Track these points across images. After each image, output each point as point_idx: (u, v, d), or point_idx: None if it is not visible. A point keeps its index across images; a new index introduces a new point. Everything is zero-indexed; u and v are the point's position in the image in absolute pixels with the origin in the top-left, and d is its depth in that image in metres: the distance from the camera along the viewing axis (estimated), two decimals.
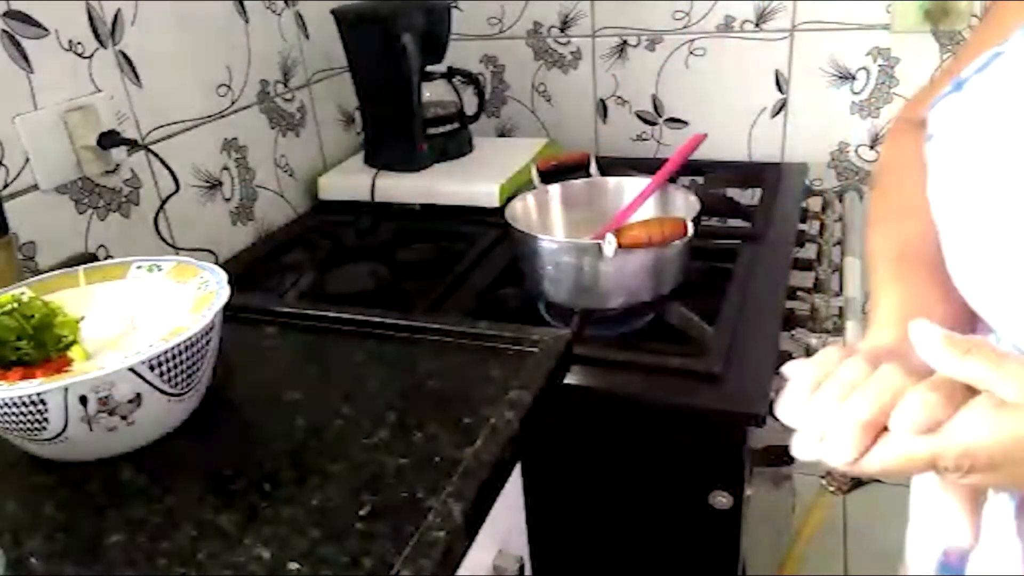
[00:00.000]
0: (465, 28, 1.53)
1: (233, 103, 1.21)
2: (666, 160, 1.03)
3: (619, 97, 1.52)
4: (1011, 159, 0.44)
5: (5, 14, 0.87)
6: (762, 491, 1.02)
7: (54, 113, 0.92)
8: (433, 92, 1.39)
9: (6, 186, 0.88)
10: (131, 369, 0.55)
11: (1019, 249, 0.44)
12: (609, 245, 0.86)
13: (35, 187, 0.92)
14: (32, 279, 0.69)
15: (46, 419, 0.54)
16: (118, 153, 1.00)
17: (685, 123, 1.49)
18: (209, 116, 1.17)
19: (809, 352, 0.89)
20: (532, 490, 0.72)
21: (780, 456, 0.96)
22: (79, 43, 0.95)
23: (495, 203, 1.25)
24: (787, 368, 0.46)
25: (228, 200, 1.22)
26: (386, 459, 0.57)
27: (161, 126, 1.08)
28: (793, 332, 0.92)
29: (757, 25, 1.37)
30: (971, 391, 0.39)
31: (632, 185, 1.08)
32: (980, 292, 0.49)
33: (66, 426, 0.55)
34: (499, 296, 1.03)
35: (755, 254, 1.08)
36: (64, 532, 0.53)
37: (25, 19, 0.89)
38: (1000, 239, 0.45)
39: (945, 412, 0.39)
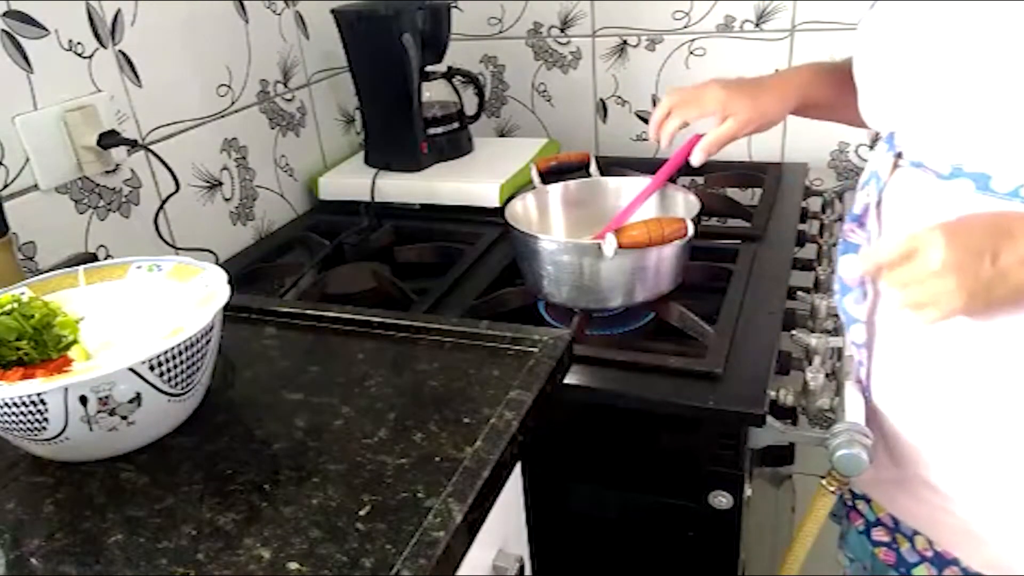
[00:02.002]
0: (465, 28, 1.53)
1: (233, 103, 1.21)
2: (666, 160, 1.03)
3: (619, 97, 1.52)
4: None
5: (5, 14, 0.87)
6: (762, 491, 1.02)
7: (54, 113, 0.92)
8: (433, 92, 1.39)
9: (6, 186, 0.88)
10: (131, 369, 0.55)
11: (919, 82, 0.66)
12: (609, 245, 0.86)
13: (35, 187, 0.92)
14: (32, 279, 0.69)
15: (46, 419, 0.54)
16: (118, 153, 1.00)
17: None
18: (209, 116, 1.17)
19: (809, 352, 0.89)
20: (532, 490, 0.72)
21: (780, 456, 0.96)
22: (79, 43, 0.95)
23: (495, 203, 1.25)
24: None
25: (228, 200, 1.22)
26: (386, 459, 0.57)
27: (161, 126, 1.08)
28: (793, 332, 0.92)
29: (757, 25, 1.37)
30: None
31: (632, 185, 1.08)
32: (885, 117, 0.73)
33: (66, 426, 0.55)
34: (499, 296, 1.03)
35: (755, 254, 1.08)
36: (64, 532, 0.53)
37: (25, 19, 0.89)
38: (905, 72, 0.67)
39: None
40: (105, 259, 0.97)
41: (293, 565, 0.48)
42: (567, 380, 0.78)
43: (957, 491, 0.72)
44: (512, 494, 0.69)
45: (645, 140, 1.53)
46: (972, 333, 0.67)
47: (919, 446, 0.74)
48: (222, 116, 1.19)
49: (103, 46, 0.99)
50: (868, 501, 0.86)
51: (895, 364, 0.75)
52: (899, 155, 0.72)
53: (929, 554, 0.79)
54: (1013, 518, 0.69)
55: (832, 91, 0.89)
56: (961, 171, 0.64)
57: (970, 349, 0.67)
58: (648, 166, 1.42)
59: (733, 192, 1.39)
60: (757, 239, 1.14)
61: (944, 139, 0.65)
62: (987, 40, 0.60)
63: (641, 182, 1.06)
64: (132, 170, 1.04)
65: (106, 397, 0.55)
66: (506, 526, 0.67)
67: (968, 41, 0.61)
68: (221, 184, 1.20)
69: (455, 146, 1.41)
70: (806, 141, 1.42)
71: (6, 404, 0.53)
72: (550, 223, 1.09)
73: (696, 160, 0.92)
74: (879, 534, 0.85)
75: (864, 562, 0.88)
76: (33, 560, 0.51)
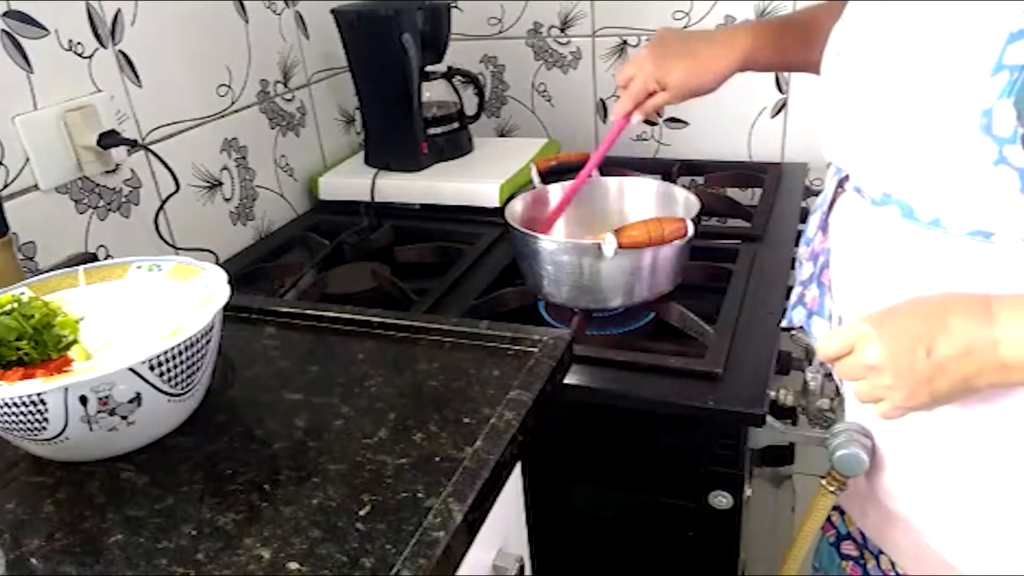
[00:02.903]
0: (465, 28, 1.53)
1: (233, 103, 1.21)
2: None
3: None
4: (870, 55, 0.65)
5: (5, 14, 0.87)
6: (762, 491, 1.02)
7: (54, 113, 0.92)
8: (433, 92, 1.39)
9: (6, 186, 0.88)
10: (131, 369, 0.55)
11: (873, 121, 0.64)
12: (609, 245, 0.86)
13: (35, 187, 0.92)
14: (32, 279, 0.69)
15: (46, 419, 0.54)
16: (118, 153, 1.00)
17: (685, 123, 1.49)
18: (209, 116, 1.17)
19: (809, 352, 0.89)
20: (532, 490, 0.72)
21: (780, 456, 0.96)
22: (79, 43, 0.95)
23: (495, 203, 1.25)
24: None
25: (228, 200, 1.22)
26: (386, 459, 0.57)
27: (161, 126, 1.08)
28: (793, 332, 0.92)
29: None
30: None
31: (632, 185, 1.08)
32: (844, 152, 0.71)
33: (66, 426, 0.55)
34: (499, 296, 1.03)
35: (755, 254, 1.08)
36: (64, 532, 0.53)
37: (25, 19, 0.89)
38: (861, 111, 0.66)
39: None
40: (105, 259, 0.97)
41: (293, 565, 0.48)
42: (567, 380, 0.78)
43: (916, 514, 0.72)
44: (512, 494, 0.69)
45: (645, 140, 1.53)
46: None
47: (882, 465, 0.74)
48: (222, 116, 1.19)
49: (103, 46, 0.99)
50: (842, 513, 0.86)
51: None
52: (846, 178, 0.74)
53: (892, 575, 0.79)
54: (969, 547, 0.69)
55: (777, 54, 0.88)
56: (890, 198, 0.65)
57: None
58: (648, 166, 1.42)
59: (733, 192, 1.39)
60: (757, 239, 1.14)
61: (875, 165, 0.66)
62: (910, 78, 0.60)
63: (641, 182, 1.07)
64: (132, 170, 1.04)
65: (106, 397, 0.55)
66: (506, 526, 0.67)
67: (896, 77, 0.62)
68: (221, 184, 1.20)
69: (455, 146, 1.41)
70: (806, 141, 1.42)
71: (6, 404, 0.53)
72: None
73: (635, 120, 0.94)
74: (848, 548, 0.85)
75: (829, 573, 0.88)
76: (33, 560, 0.51)
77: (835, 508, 0.87)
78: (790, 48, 0.81)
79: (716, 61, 0.88)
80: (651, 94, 0.92)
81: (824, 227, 0.77)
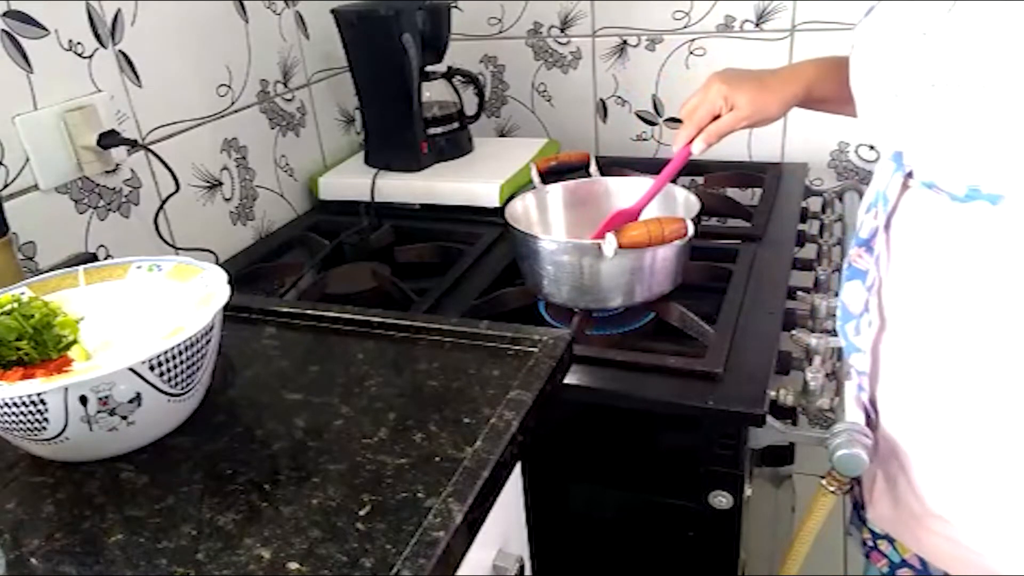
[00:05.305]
0: (465, 28, 1.53)
1: (233, 103, 1.21)
2: (667, 161, 1.03)
3: (619, 97, 1.52)
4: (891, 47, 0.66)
5: (5, 14, 0.87)
6: (762, 491, 1.02)
7: (54, 113, 0.92)
8: (433, 92, 1.39)
9: (6, 186, 0.88)
10: (131, 369, 0.55)
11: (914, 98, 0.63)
12: (609, 245, 0.86)
13: (35, 187, 0.92)
14: (32, 279, 0.69)
15: (46, 419, 0.54)
16: (118, 153, 1.00)
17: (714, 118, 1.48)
18: (209, 116, 1.17)
19: (809, 352, 0.89)
20: (532, 490, 0.72)
21: (780, 456, 0.96)
22: (79, 43, 0.95)
23: (495, 203, 1.25)
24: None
25: (228, 200, 1.22)
26: (386, 459, 0.57)
27: (161, 126, 1.08)
28: (793, 332, 0.92)
29: (757, 25, 1.37)
30: None
31: (632, 185, 1.08)
32: (920, 147, 0.67)
33: (66, 426, 0.55)
34: (499, 296, 1.03)
35: (755, 254, 1.08)
36: (64, 532, 0.53)
37: (25, 19, 0.89)
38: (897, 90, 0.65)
39: None
40: (105, 259, 0.97)
41: (293, 565, 0.48)
42: (567, 380, 0.78)
43: (977, 529, 0.70)
44: (512, 494, 0.69)
45: (645, 140, 1.53)
46: (985, 365, 0.65)
47: (937, 482, 0.72)
48: (222, 116, 1.19)
49: (103, 46, 0.99)
50: (891, 541, 0.83)
51: (905, 396, 0.73)
52: (909, 175, 0.69)
53: None
54: None
55: (837, 87, 0.86)
56: (979, 193, 0.60)
57: (983, 380, 0.65)
58: (648, 166, 1.42)
59: (733, 192, 1.39)
60: (757, 239, 1.14)
61: (959, 159, 0.61)
62: (1008, 51, 0.55)
63: (641, 182, 1.06)
64: (132, 170, 1.04)
65: (106, 397, 0.55)
66: (506, 526, 0.67)
67: (984, 52, 0.57)
68: (221, 184, 1.20)
69: (455, 146, 1.41)
70: (806, 141, 1.42)
71: (6, 404, 0.53)
72: (550, 223, 1.09)
73: (697, 149, 0.91)
74: None
75: None
76: (33, 560, 0.51)
77: (883, 537, 0.84)
78: (848, 84, 0.79)
79: (782, 87, 0.89)
80: (715, 118, 0.90)
81: (888, 226, 0.72)
